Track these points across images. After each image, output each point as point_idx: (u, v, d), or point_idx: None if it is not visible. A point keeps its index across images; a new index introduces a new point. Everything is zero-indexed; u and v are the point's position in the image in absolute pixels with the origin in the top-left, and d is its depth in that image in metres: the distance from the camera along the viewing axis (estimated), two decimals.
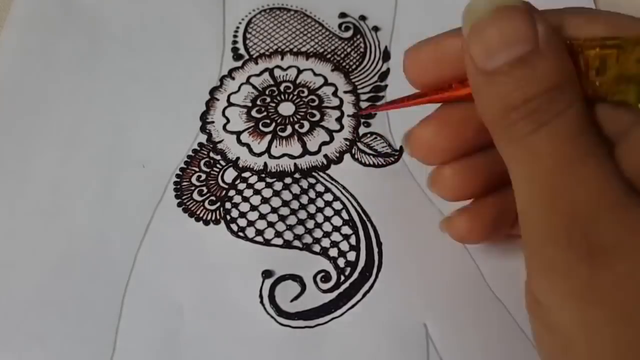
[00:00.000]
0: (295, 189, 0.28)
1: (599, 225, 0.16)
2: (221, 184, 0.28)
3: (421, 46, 0.22)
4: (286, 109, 0.30)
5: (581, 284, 0.16)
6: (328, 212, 0.27)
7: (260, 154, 0.29)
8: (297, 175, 0.28)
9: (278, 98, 0.31)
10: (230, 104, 0.31)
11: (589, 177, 0.16)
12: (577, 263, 0.16)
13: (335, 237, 0.27)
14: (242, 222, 0.27)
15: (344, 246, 0.26)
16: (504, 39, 0.17)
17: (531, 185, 0.17)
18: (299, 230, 0.27)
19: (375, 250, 0.26)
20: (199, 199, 0.28)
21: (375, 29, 0.34)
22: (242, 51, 0.33)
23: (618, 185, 0.16)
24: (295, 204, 0.27)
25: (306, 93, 0.31)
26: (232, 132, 0.30)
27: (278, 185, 0.28)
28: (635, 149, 0.17)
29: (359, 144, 0.29)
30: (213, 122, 0.30)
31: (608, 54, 0.17)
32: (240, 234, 0.27)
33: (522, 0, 0.17)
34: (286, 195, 0.28)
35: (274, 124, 0.30)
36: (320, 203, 0.27)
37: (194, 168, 0.29)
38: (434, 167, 0.24)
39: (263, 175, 0.28)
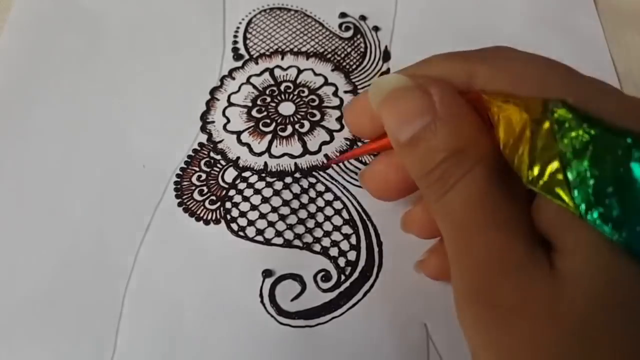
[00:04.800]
0: (296, 188, 0.28)
1: (501, 287, 0.17)
2: (221, 183, 0.28)
3: (356, 101, 0.22)
4: (286, 108, 0.30)
5: (487, 337, 0.17)
6: (328, 211, 0.27)
7: (260, 154, 0.29)
8: (297, 175, 0.28)
9: (278, 98, 0.31)
10: (230, 104, 0.31)
11: (492, 239, 0.17)
12: (483, 318, 0.17)
13: (336, 236, 0.27)
14: (243, 221, 0.27)
15: (345, 245, 0.26)
16: (402, 118, 0.18)
17: (449, 242, 0.18)
18: (300, 229, 0.27)
19: (376, 249, 0.26)
20: (200, 198, 0.28)
21: (376, 29, 0.34)
22: (242, 51, 0.33)
23: (520, 246, 0.17)
24: (295, 204, 0.27)
25: (306, 93, 0.31)
26: (232, 132, 0.30)
27: (278, 185, 0.28)
28: (542, 206, 0.17)
29: (359, 143, 0.29)
30: (213, 121, 0.30)
31: (498, 115, 0.17)
32: (241, 233, 0.27)
33: (410, 78, 0.19)
34: (286, 195, 0.28)
35: (274, 124, 0.30)
36: (320, 202, 0.27)
37: (195, 168, 0.29)
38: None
39: (263, 175, 0.28)
